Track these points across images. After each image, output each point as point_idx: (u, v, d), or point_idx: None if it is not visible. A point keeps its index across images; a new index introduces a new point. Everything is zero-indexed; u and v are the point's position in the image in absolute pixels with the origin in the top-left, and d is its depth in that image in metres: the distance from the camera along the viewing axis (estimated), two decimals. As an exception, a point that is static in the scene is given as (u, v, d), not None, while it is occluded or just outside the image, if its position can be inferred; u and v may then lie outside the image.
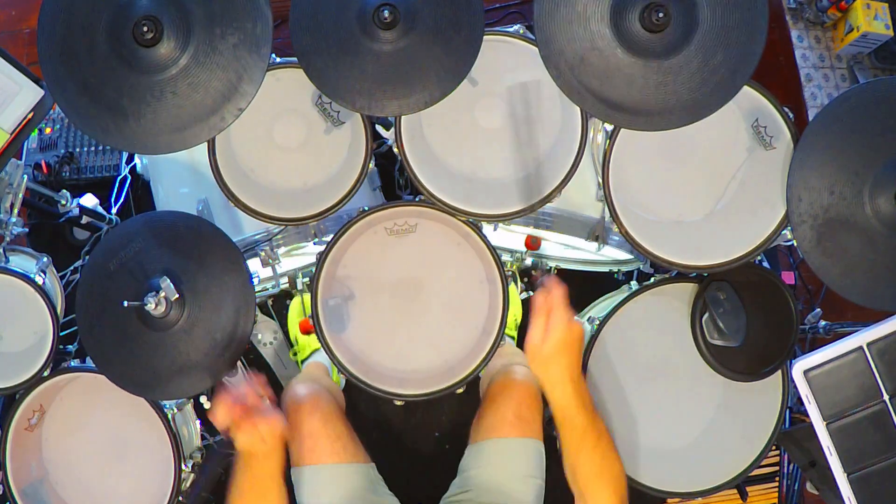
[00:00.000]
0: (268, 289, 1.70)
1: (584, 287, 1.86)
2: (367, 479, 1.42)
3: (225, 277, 1.24)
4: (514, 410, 1.39)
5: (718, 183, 1.37)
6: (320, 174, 1.41)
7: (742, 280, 1.38)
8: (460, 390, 1.38)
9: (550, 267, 1.75)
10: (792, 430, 1.43)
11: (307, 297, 1.41)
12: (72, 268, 1.87)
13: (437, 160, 1.38)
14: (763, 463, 1.40)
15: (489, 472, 1.38)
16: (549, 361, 1.05)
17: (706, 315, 1.39)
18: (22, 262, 1.46)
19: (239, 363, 1.68)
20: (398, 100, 1.21)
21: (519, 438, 1.38)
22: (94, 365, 1.28)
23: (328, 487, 1.34)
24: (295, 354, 1.91)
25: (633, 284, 1.49)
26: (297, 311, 1.91)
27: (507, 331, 1.40)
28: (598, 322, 1.41)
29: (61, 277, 1.64)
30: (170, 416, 1.37)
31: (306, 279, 1.65)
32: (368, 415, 1.90)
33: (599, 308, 1.58)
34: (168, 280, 1.18)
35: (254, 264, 1.49)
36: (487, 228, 1.44)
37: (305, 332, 1.82)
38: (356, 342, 1.41)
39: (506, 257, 1.68)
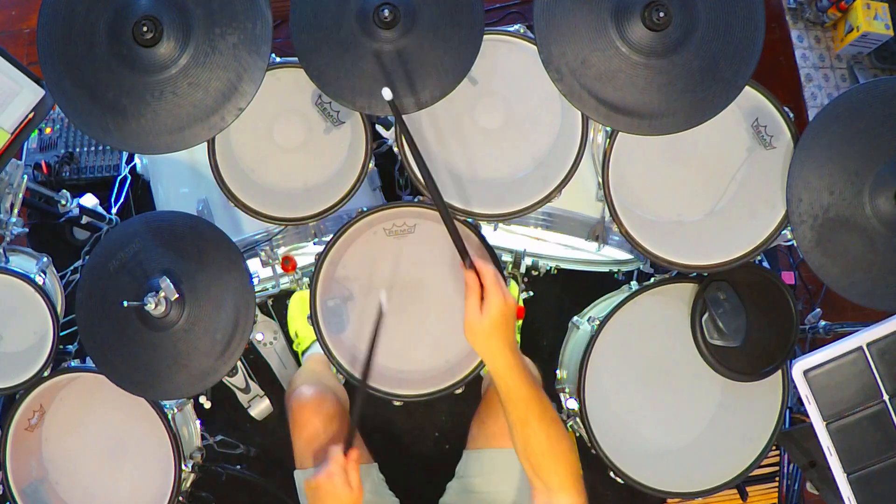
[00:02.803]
0: (268, 289, 1.70)
1: (584, 287, 1.86)
2: (369, 479, 1.42)
3: (225, 277, 1.24)
4: None
5: (718, 183, 1.37)
6: (320, 174, 1.41)
7: (742, 280, 1.38)
8: (460, 390, 1.38)
9: (550, 267, 1.75)
10: (792, 430, 1.43)
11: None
12: (72, 268, 1.87)
13: (437, 160, 1.38)
14: (763, 463, 1.40)
15: (489, 483, 1.38)
16: (490, 335, 1.05)
17: (706, 315, 1.39)
18: (22, 262, 1.46)
19: (239, 363, 1.69)
20: (398, 100, 1.21)
21: None
22: (94, 365, 1.27)
23: None
24: (297, 346, 1.91)
25: (633, 284, 1.49)
26: (297, 305, 1.91)
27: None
28: (598, 322, 1.41)
29: (61, 277, 1.65)
30: (170, 416, 1.37)
31: (306, 279, 1.65)
32: (368, 415, 1.90)
33: (599, 308, 1.58)
34: (168, 280, 1.18)
35: (254, 264, 1.49)
36: (487, 228, 1.44)
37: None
38: (356, 343, 1.41)
39: (506, 257, 1.68)
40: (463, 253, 1.07)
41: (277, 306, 1.94)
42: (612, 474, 1.39)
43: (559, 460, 1.10)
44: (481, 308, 1.04)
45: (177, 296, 1.19)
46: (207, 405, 1.59)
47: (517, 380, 1.08)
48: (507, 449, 1.38)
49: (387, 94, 1.09)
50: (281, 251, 1.51)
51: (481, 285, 1.06)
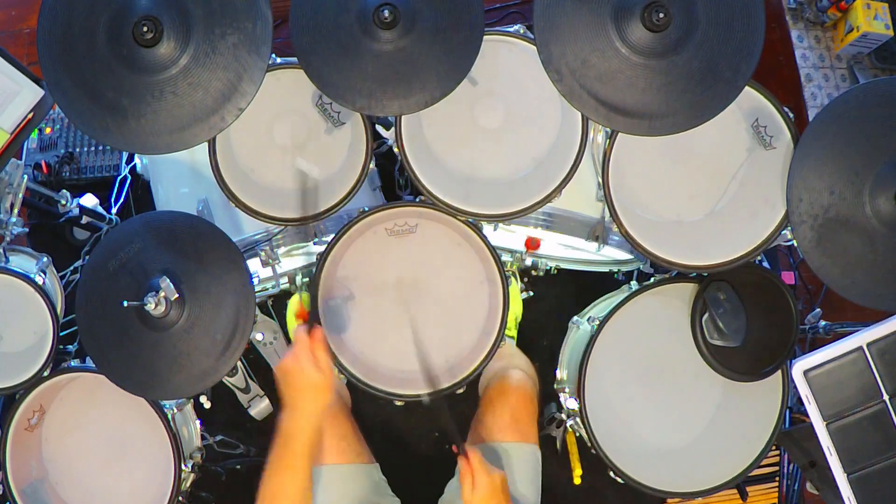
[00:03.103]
0: (268, 289, 1.70)
1: (584, 287, 1.86)
2: (370, 479, 1.42)
3: (225, 277, 1.24)
4: (510, 414, 1.40)
5: (718, 183, 1.37)
6: (320, 174, 1.40)
7: (742, 280, 1.38)
8: (460, 390, 1.38)
9: (550, 267, 1.75)
10: (792, 430, 1.43)
11: (305, 295, 1.41)
12: (72, 268, 1.87)
13: (437, 160, 1.38)
14: (763, 463, 1.40)
15: None
16: None
17: (706, 315, 1.39)
18: (22, 262, 1.46)
19: (239, 363, 1.69)
20: (398, 100, 1.21)
21: (516, 443, 1.39)
22: (94, 365, 1.27)
23: (332, 488, 1.34)
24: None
25: (633, 284, 1.49)
26: (295, 310, 1.91)
27: (506, 331, 1.41)
28: (598, 322, 1.41)
29: (61, 277, 1.64)
30: (170, 416, 1.37)
31: (306, 279, 1.65)
32: (368, 415, 1.89)
33: (599, 308, 1.58)
34: (168, 280, 1.18)
35: (254, 264, 1.49)
36: (487, 228, 1.44)
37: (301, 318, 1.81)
38: (356, 343, 1.41)
39: (506, 257, 1.68)
40: (458, 443, 1.19)
41: (277, 306, 1.94)
42: (612, 474, 1.39)
43: None
44: (473, 487, 1.16)
45: (177, 296, 1.19)
46: (207, 405, 1.59)
47: None
48: (504, 443, 1.38)
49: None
50: (281, 251, 1.51)
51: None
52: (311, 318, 1.18)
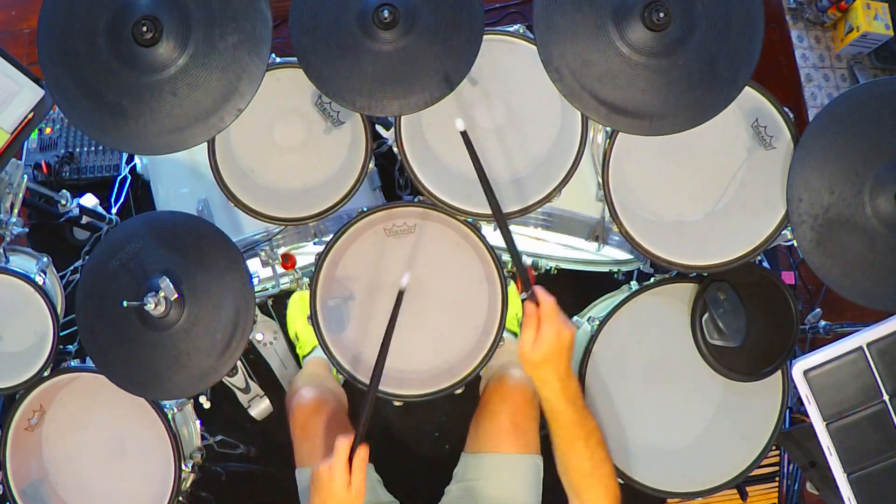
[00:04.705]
0: (268, 289, 1.71)
1: (584, 287, 1.86)
2: (367, 478, 1.42)
3: (225, 277, 1.24)
4: (510, 419, 1.39)
5: (718, 183, 1.37)
6: (320, 174, 1.41)
7: (742, 280, 1.38)
8: (460, 391, 1.38)
9: (550, 267, 1.75)
10: (792, 430, 1.43)
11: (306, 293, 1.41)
12: (72, 268, 1.87)
13: (437, 160, 1.38)
14: (763, 463, 1.40)
15: (488, 488, 1.38)
16: (538, 367, 1.10)
17: (706, 315, 1.39)
18: (22, 262, 1.46)
19: (239, 363, 1.69)
20: (398, 100, 1.21)
21: (518, 455, 1.38)
22: (94, 365, 1.28)
23: None
24: (300, 349, 1.91)
25: (633, 284, 1.49)
26: (297, 306, 1.91)
27: (510, 327, 1.41)
28: (598, 322, 1.41)
29: (61, 277, 1.64)
30: (170, 416, 1.37)
31: (306, 279, 1.65)
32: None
33: (599, 308, 1.58)
34: (167, 280, 1.18)
35: (254, 264, 1.49)
36: (487, 228, 1.44)
37: None
38: (355, 343, 1.41)
39: (505, 257, 1.68)
40: (526, 284, 1.09)
41: (277, 306, 1.94)
42: (611, 474, 1.39)
43: (600, 483, 1.15)
44: (535, 339, 1.07)
45: (177, 296, 1.19)
46: (207, 405, 1.59)
47: (564, 405, 1.12)
48: (503, 454, 1.37)
49: (460, 124, 1.08)
50: (281, 251, 1.51)
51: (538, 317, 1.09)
52: (358, 437, 1.12)
